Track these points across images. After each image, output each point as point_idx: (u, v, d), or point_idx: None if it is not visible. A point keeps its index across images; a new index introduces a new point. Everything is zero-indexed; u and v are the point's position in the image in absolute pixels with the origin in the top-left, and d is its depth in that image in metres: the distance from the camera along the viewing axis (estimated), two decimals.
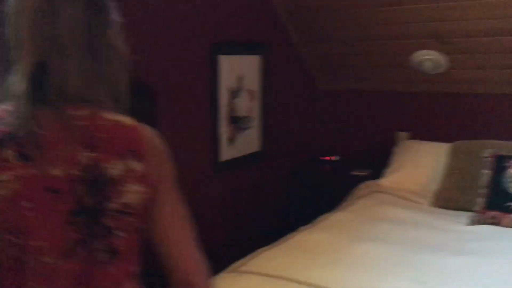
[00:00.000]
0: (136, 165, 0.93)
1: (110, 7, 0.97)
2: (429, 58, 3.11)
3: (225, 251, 2.83)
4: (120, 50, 0.97)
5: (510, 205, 2.32)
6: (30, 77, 0.88)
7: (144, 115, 1.03)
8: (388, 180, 3.10)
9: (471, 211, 2.49)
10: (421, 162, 3.06)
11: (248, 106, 3.08)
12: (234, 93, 2.94)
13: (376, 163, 3.46)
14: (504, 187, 2.38)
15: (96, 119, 0.92)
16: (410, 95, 3.45)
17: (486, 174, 2.51)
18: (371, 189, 3.02)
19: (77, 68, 0.90)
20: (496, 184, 2.42)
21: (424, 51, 3.11)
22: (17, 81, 0.88)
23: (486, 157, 2.59)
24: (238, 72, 2.96)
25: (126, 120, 0.95)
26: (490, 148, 2.66)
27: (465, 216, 2.47)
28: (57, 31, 0.89)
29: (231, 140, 2.96)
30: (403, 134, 3.52)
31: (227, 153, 2.92)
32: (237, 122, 3.00)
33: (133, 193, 0.93)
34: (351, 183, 3.30)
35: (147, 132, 0.98)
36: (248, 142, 3.11)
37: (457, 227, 2.35)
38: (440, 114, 3.36)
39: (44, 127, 0.88)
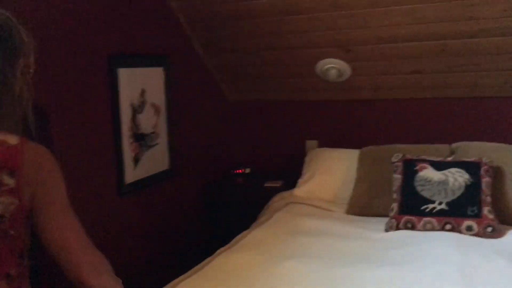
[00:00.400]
0: (8, 180, 1.06)
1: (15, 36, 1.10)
2: (333, 66, 3.14)
3: (140, 280, 2.60)
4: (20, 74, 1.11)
5: (424, 208, 2.35)
6: None
7: (38, 135, 1.18)
8: (301, 190, 3.05)
9: (387, 216, 2.51)
10: (332, 170, 3.06)
11: (154, 121, 2.87)
12: (137, 109, 2.73)
13: (288, 173, 3.42)
14: (416, 191, 2.42)
15: None
16: (318, 103, 3.47)
17: (397, 179, 2.54)
18: (285, 200, 2.95)
19: None
20: (407, 188, 2.45)
21: (328, 60, 3.13)
22: None
23: (395, 162, 2.63)
24: (141, 86, 2.75)
25: (11, 139, 1.08)
26: (398, 153, 2.71)
27: (381, 222, 2.47)
28: None
29: (137, 159, 2.73)
30: (312, 143, 3.52)
31: (132, 174, 2.69)
32: (142, 140, 2.78)
33: (4, 204, 1.06)
34: (265, 195, 3.23)
35: (31, 150, 1.10)
36: (156, 160, 2.90)
37: (376, 234, 2.34)
38: (347, 121, 3.40)
39: None
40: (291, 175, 3.38)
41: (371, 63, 3.07)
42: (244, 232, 2.43)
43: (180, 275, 1.99)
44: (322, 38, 2.99)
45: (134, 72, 2.68)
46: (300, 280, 1.86)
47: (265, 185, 3.36)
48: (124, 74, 2.59)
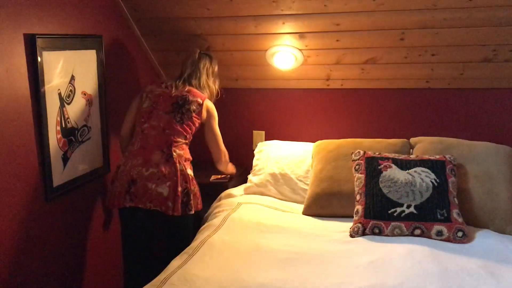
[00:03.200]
0: None
1: None
2: (285, 53, 2.89)
3: None
4: None
5: (391, 212, 2.20)
6: None
7: None
8: (252, 188, 2.81)
9: (348, 217, 2.34)
10: (284, 164, 2.84)
11: (85, 113, 2.48)
12: (66, 99, 2.32)
13: (236, 166, 3.17)
14: (382, 192, 2.26)
15: None
16: (266, 92, 3.22)
17: (360, 178, 2.37)
18: (236, 199, 2.70)
19: None
20: (372, 189, 2.29)
21: (280, 46, 2.88)
22: None
23: (356, 160, 2.46)
24: (70, 72, 2.34)
25: None
26: (354, 147, 2.55)
27: (344, 225, 2.30)
28: None
29: (66, 158, 2.34)
30: (260, 134, 3.29)
31: (61, 174, 2.30)
32: (72, 135, 2.39)
33: None
34: (211, 190, 2.96)
35: None
36: (88, 157, 2.52)
37: (342, 239, 2.16)
38: (297, 111, 3.19)
39: None
40: (238, 169, 3.14)
41: (325, 50, 2.86)
42: (198, 240, 2.16)
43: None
44: (276, 24, 2.73)
45: (60, 56, 2.27)
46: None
47: (211, 180, 3.09)
48: (49, 58, 2.18)
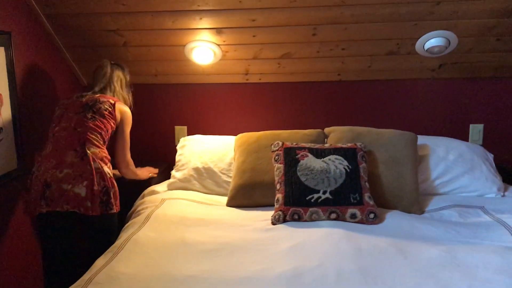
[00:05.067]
0: None
1: None
2: (203, 48, 2.93)
3: None
4: None
5: (309, 198, 2.32)
6: None
7: None
8: (175, 183, 2.83)
9: (270, 206, 2.44)
10: (207, 159, 2.88)
11: None
12: None
13: (158, 162, 3.17)
14: (300, 180, 2.37)
15: None
16: (187, 87, 3.24)
17: (279, 168, 2.47)
18: (160, 196, 2.70)
19: None
20: (291, 178, 2.40)
21: (198, 42, 2.91)
22: None
23: (275, 150, 2.56)
24: None
25: None
26: (273, 138, 2.65)
27: (265, 214, 2.39)
28: None
29: None
30: (182, 129, 3.30)
31: None
32: None
33: None
34: (134, 187, 2.94)
35: None
36: (0, 159, 2.41)
37: (264, 227, 2.25)
38: (217, 106, 3.25)
39: None
40: (161, 165, 3.14)
41: (242, 46, 2.93)
42: (122, 238, 2.15)
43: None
44: (193, 19, 2.76)
45: None
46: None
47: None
48: None
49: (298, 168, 2.42)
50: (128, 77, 2.71)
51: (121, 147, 2.55)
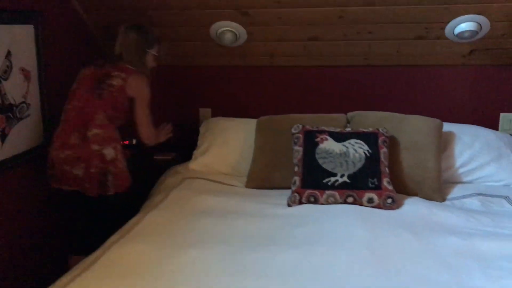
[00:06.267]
0: None
1: None
2: (229, 30, 2.93)
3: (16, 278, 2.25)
4: None
5: (326, 181, 2.31)
6: None
7: None
8: (197, 163, 2.87)
9: (288, 188, 2.43)
10: (229, 141, 2.90)
11: (23, 90, 2.45)
12: (2, 75, 2.28)
13: (181, 144, 3.21)
14: (318, 163, 2.36)
15: None
16: (211, 69, 3.25)
17: (298, 151, 2.46)
18: (180, 175, 2.74)
19: None
20: (309, 160, 2.39)
21: (224, 22, 2.91)
22: None
23: (295, 133, 2.55)
24: (6, 47, 2.30)
25: None
26: (295, 122, 2.63)
27: (283, 195, 2.39)
28: None
29: (4, 135, 2.31)
30: (206, 111, 3.32)
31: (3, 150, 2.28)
32: (10, 111, 2.35)
33: None
34: (155, 169, 2.99)
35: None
36: (27, 135, 2.49)
37: (279, 210, 2.25)
38: (242, 88, 3.25)
39: None
40: (184, 147, 3.17)
41: (268, 27, 2.92)
42: (138, 216, 2.19)
43: (62, 267, 1.72)
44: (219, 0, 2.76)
45: None
46: (203, 271, 1.69)
47: (156, 157, 3.11)
48: None
49: (316, 151, 2.40)
50: (150, 40, 2.54)
51: (139, 121, 2.47)
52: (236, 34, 2.94)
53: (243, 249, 1.84)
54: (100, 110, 2.39)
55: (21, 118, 2.44)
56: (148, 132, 2.52)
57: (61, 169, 2.36)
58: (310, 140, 2.46)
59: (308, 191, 2.30)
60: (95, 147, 2.34)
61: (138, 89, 2.45)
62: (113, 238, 1.95)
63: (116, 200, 2.42)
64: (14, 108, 2.38)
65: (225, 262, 1.75)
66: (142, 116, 2.47)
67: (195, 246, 1.86)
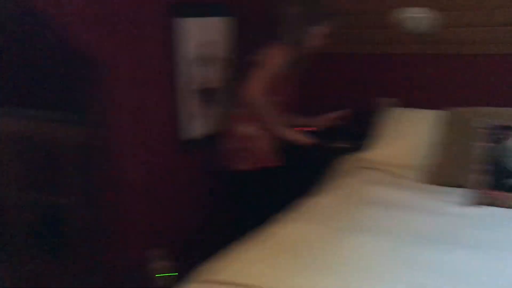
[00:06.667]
0: None
1: None
2: (416, 16, 2.80)
3: (195, 241, 2.57)
4: None
5: (511, 183, 2.08)
6: None
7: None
8: (373, 153, 2.83)
9: (465, 188, 2.25)
10: (409, 133, 2.80)
11: (219, 76, 2.74)
12: (202, 62, 2.59)
13: (358, 133, 3.19)
14: (504, 163, 2.13)
15: None
16: (394, 57, 3.15)
17: (482, 147, 2.25)
18: (355, 164, 2.75)
19: None
20: (495, 159, 2.17)
21: (411, 8, 2.80)
22: None
23: (482, 128, 2.33)
24: (205, 38, 2.60)
25: None
26: (487, 117, 2.40)
27: (458, 194, 2.23)
28: None
29: (201, 115, 2.63)
30: (387, 101, 3.24)
31: (196, 130, 2.61)
32: (208, 95, 2.66)
33: None
34: (331, 156, 3.04)
35: None
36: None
37: (454, 209, 2.11)
38: (428, 78, 3.08)
39: None
40: (361, 136, 3.15)
41: (460, 12, 2.70)
42: (305, 198, 2.29)
43: (238, 236, 1.90)
44: None
45: (197, 23, 2.53)
46: (368, 259, 1.68)
47: (333, 145, 3.16)
48: (187, 25, 2.45)
49: (503, 149, 2.17)
50: (314, 11, 2.41)
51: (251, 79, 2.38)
52: (424, 21, 2.79)
53: (410, 243, 1.79)
54: (237, 91, 2.48)
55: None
56: (251, 90, 2.35)
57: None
58: (497, 136, 2.23)
59: (491, 192, 2.10)
60: (229, 125, 2.56)
61: (269, 57, 2.38)
62: (278, 216, 2.08)
63: (243, 176, 2.57)
64: (212, 92, 2.67)
65: (389, 253, 1.72)
66: (255, 76, 2.35)
67: (359, 233, 1.87)
